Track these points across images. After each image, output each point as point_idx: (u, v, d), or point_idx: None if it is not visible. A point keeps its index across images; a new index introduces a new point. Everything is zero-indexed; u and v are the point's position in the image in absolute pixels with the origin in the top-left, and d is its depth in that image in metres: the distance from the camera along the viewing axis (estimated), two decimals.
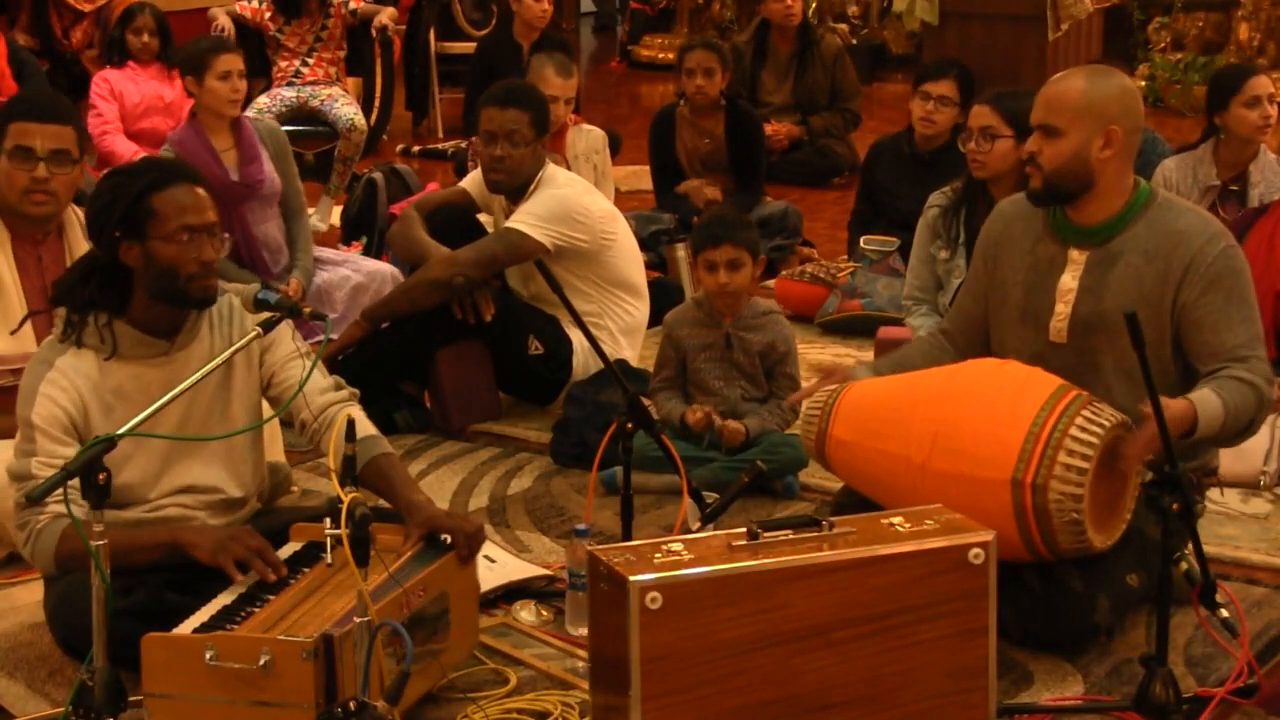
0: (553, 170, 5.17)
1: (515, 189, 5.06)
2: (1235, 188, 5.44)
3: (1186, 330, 3.62)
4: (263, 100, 7.98)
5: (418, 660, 3.12)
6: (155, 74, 7.47)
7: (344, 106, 8.07)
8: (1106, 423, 3.39)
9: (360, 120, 8.07)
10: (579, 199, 5.07)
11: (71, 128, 4.17)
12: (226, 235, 3.48)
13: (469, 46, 9.73)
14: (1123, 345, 3.57)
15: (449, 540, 3.34)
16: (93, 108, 7.26)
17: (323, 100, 8.09)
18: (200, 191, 3.44)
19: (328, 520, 2.84)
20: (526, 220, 4.99)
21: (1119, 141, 3.61)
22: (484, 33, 9.86)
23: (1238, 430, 3.58)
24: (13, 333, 3.86)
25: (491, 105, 5.05)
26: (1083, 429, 3.36)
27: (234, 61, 5.66)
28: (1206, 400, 3.45)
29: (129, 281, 3.45)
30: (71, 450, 3.24)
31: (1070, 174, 3.63)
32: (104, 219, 3.42)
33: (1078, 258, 3.70)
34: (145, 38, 7.37)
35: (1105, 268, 3.66)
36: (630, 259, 5.21)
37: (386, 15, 8.92)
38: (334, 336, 5.02)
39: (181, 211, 3.39)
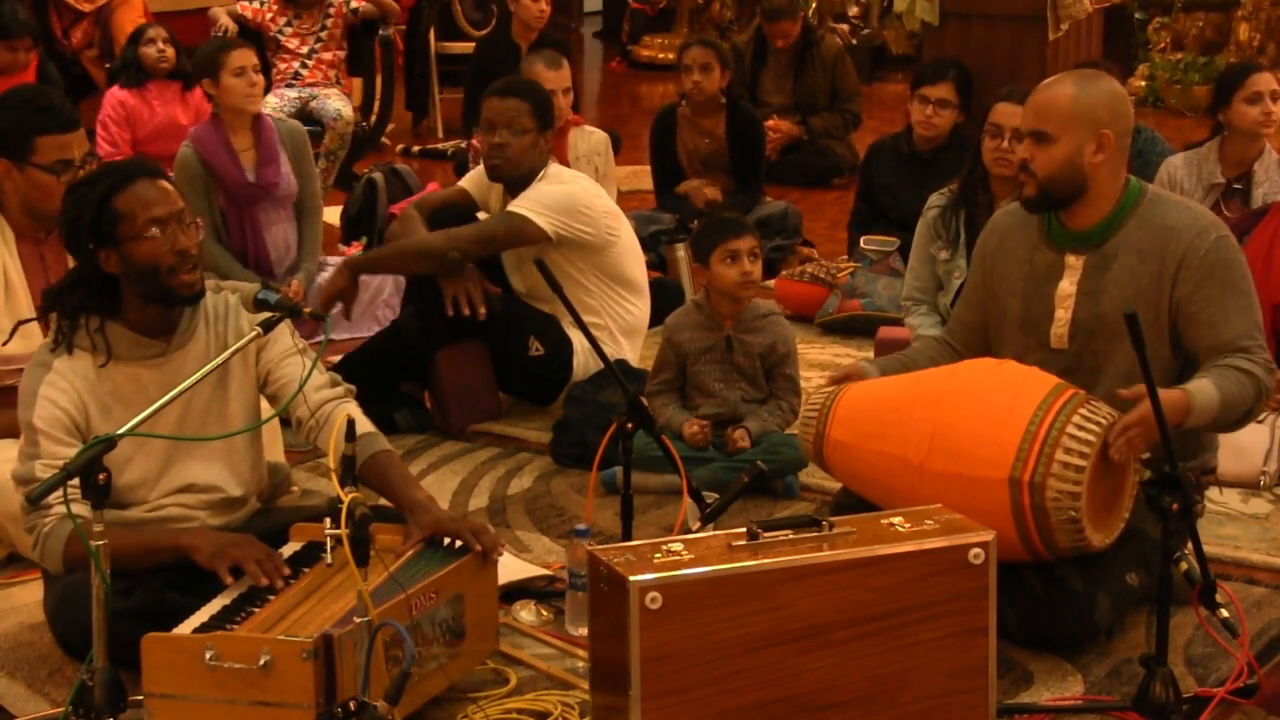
0: (558, 168, 5.18)
1: (515, 179, 5.06)
2: (1239, 186, 5.45)
3: (1184, 325, 3.62)
4: (272, 100, 7.98)
5: (428, 663, 3.12)
6: (172, 96, 7.43)
7: (334, 101, 8.09)
8: (1104, 420, 3.39)
9: (347, 111, 8.08)
10: (584, 193, 5.08)
11: (84, 127, 4.26)
12: (200, 221, 3.48)
13: (469, 46, 9.73)
14: (1123, 347, 3.57)
15: (456, 544, 3.33)
16: (103, 126, 7.23)
17: (319, 99, 8.11)
18: (162, 183, 3.43)
19: (328, 520, 2.84)
20: (530, 205, 4.98)
21: (1111, 145, 3.61)
22: (484, 33, 9.86)
23: (1234, 420, 3.58)
24: (4, 343, 3.85)
25: (492, 96, 5.10)
26: (1080, 427, 3.36)
27: (247, 57, 5.72)
28: (1202, 390, 3.46)
29: (117, 289, 3.45)
30: (74, 451, 3.23)
31: (1064, 180, 3.63)
32: (75, 233, 3.41)
33: (1074, 263, 3.70)
34: (159, 46, 7.34)
35: (1102, 270, 3.66)
36: (633, 258, 5.21)
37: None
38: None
39: (146, 206, 3.37)
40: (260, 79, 5.77)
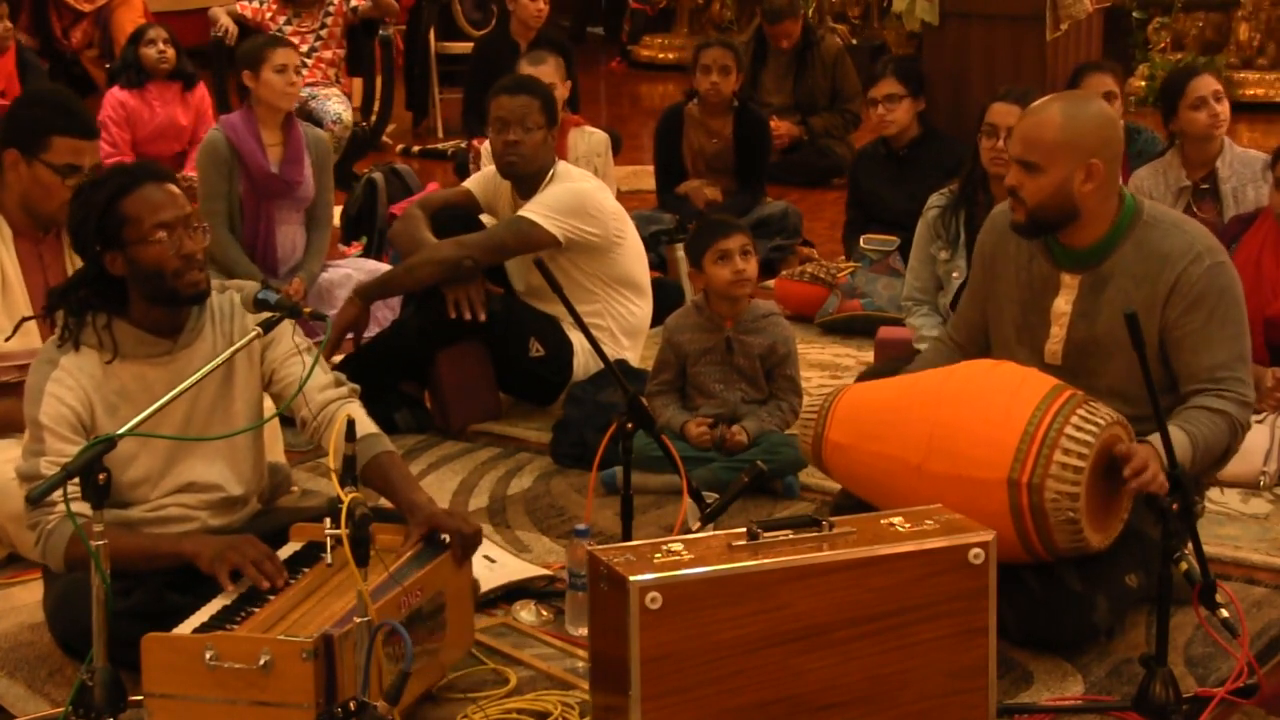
0: (566, 166, 5.20)
1: (528, 176, 5.06)
2: (1206, 186, 5.46)
3: (1170, 350, 3.61)
4: None
5: (415, 660, 3.12)
6: (173, 96, 7.43)
7: (334, 104, 8.10)
8: (1102, 421, 3.38)
9: (347, 116, 8.08)
10: (593, 194, 5.09)
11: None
12: (206, 226, 3.48)
13: (469, 46, 9.73)
14: (1116, 366, 3.59)
15: (446, 539, 3.34)
16: (103, 127, 7.23)
17: (318, 99, 8.11)
18: (169, 187, 3.43)
19: (328, 520, 2.84)
20: (539, 211, 4.99)
21: (1100, 174, 3.58)
22: (484, 33, 9.86)
23: (1213, 460, 3.59)
24: (6, 339, 3.85)
25: (501, 94, 5.11)
26: (1078, 428, 3.36)
27: (290, 56, 5.83)
28: (1174, 440, 3.41)
29: (123, 289, 3.45)
30: (79, 448, 3.23)
31: (1054, 208, 3.60)
32: (82, 234, 3.42)
33: (1070, 281, 3.69)
34: (160, 46, 7.34)
35: (1097, 292, 3.65)
36: (637, 258, 5.21)
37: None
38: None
39: (153, 210, 3.38)
40: (299, 79, 5.88)
